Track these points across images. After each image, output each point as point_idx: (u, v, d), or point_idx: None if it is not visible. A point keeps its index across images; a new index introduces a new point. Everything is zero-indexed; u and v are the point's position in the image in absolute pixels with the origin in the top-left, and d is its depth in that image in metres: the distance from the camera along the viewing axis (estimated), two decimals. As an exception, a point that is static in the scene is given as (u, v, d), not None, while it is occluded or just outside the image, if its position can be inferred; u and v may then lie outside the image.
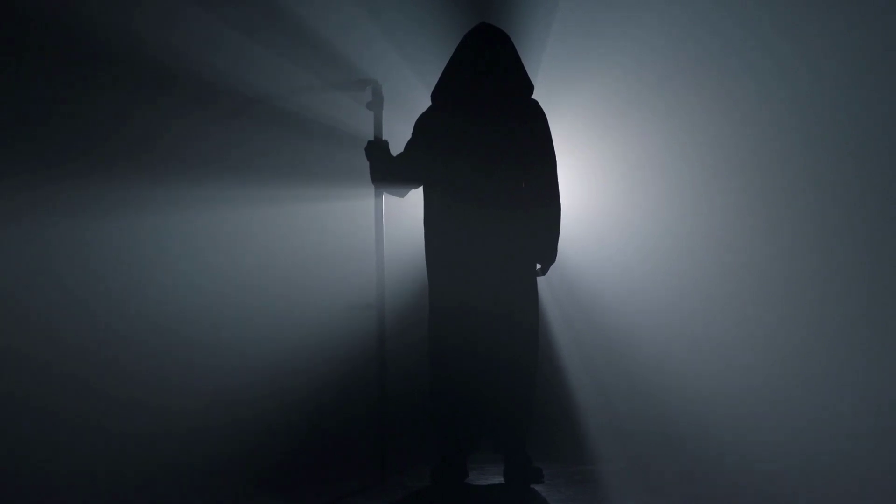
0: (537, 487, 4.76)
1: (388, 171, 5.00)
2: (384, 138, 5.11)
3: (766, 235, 5.92)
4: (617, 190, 6.03)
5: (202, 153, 5.81)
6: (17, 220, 5.58)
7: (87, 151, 5.69)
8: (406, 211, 5.60)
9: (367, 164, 5.06)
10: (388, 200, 5.17)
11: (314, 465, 5.41)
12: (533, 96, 4.96)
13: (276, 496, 4.75)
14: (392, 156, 5.03)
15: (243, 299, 5.80)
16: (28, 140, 5.63)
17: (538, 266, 4.90)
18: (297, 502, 4.62)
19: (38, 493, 4.80)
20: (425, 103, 5.09)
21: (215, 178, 5.79)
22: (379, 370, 5.07)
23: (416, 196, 5.07)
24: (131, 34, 5.69)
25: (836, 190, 5.85)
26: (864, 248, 5.81)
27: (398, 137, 5.17)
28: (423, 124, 4.94)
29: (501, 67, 4.85)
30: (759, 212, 5.93)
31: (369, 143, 5.07)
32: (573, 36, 5.95)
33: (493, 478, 4.95)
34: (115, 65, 5.70)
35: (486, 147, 4.82)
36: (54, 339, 5.56)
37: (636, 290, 6.00)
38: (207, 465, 5.28)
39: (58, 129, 5.67)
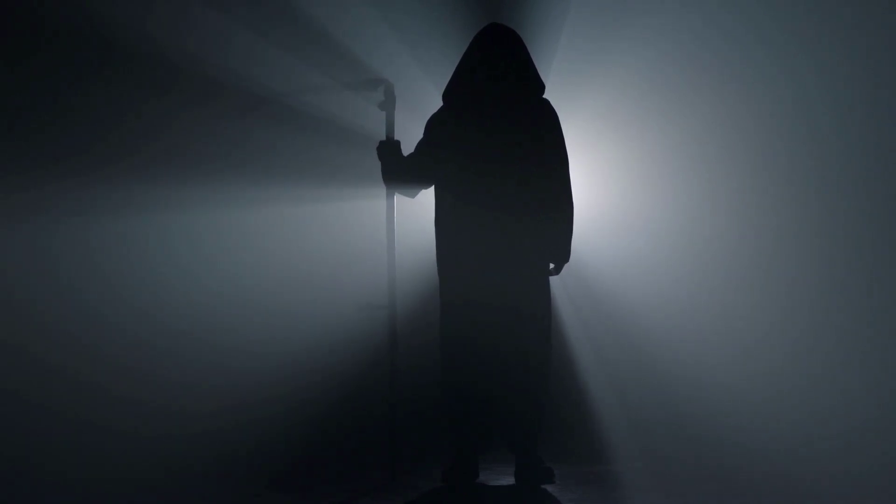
0: (548, 488, 4.76)
1: (400, 171, 5.00)
2: (396, 138, 5.11)
3: (781, 234, 5.89)
4: (629, 189, 6.02)
5: (213, 153, 5.83)
6: (22, 219, 5.60)
7: (103, 153, 5.73)
8: (418, 211, 5.60)
9: (379, 164, 5.06)
10: (400, 200, 5.17)
11: (325, 465, 5.42)
12: (544, 96, 4.95)
13: (287, 495, 4.76)
14: (404, 156, 5.03)
15: (253, 299, 5.81)
16: (37, 138, 5.66)
17: (552, 266, 4.90)
18: (308, 502, 4.63)
19: (48, 496, 4.81)
20: (437, 103, 5.09)
21: (226, 177, 5.81)
22: (390, 370, 5.07)
23: (428, 196, 5.07)
24: (143, 33, 5.71)
25: (850, 190, 5.83)
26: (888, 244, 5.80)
27: (410, 137, 5.17)
28: (435, 124, 4.94)
29: (512, 67, 4.84)
30: (774, 211, 5.90)
31: (381, 143, 5.07)
32: (585, 35, 5.94)
33: (504, 478, 4.95)
34: (127, 64, 5.73)
35: (497, 147, 4.82)
36: (63, 340, 5.58)
37: (650, 290, 5.99)
38: (218, 464, 5.29)
39: (71, 128, 5.70)
